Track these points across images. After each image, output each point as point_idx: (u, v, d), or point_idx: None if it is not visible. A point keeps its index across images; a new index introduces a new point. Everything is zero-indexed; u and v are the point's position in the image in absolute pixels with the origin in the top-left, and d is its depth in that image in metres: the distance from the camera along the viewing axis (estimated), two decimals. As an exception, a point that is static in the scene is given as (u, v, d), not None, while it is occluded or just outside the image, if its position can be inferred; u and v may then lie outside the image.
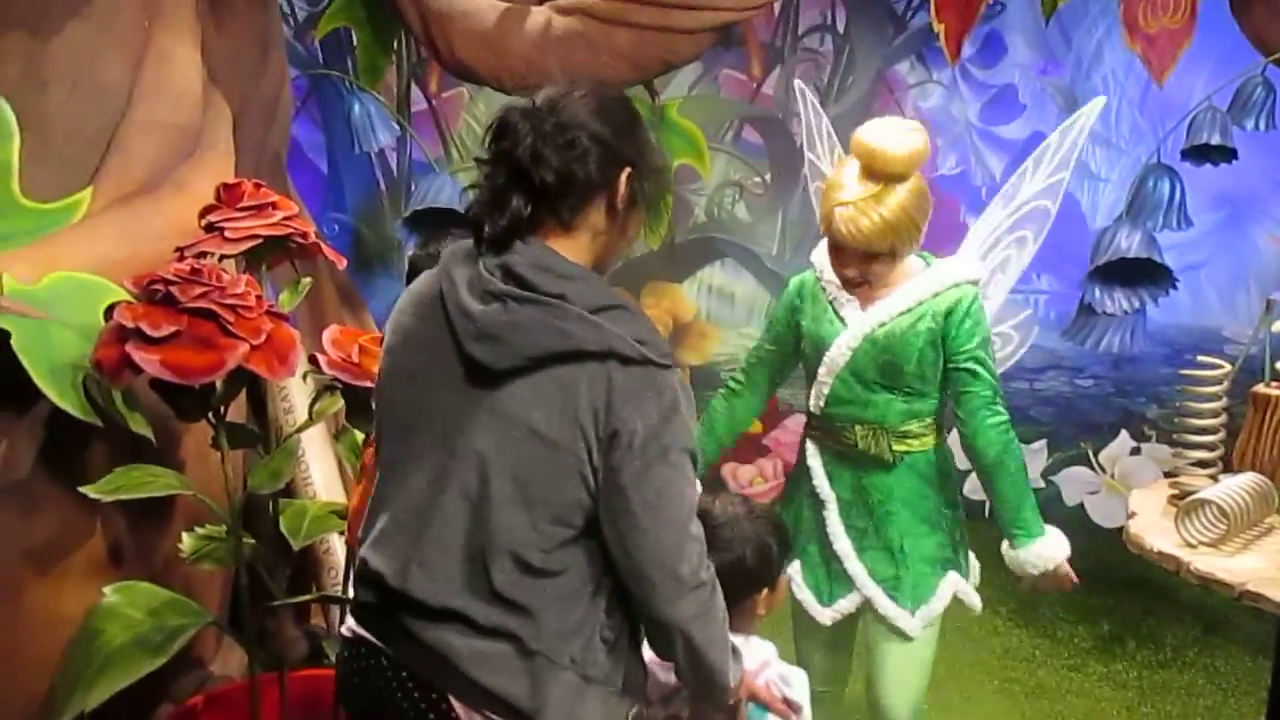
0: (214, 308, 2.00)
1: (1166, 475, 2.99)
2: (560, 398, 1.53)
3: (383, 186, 4.94)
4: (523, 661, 1.58)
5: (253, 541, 2.42)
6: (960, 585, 2.49)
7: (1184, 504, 2.52)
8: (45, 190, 2.55)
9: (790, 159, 5.10)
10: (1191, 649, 3.83)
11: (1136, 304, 4.08)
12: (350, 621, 1.73)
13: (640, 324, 1.59)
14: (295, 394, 2.90)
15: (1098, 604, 4.08)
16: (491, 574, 1.57)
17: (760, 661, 2.01)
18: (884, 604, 2.44)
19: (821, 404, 2.46)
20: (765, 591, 2.05)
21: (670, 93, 4.78)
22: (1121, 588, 4.16)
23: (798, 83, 3.37)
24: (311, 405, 2.40)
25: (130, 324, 1.96)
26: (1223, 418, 2.81)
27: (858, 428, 2.42)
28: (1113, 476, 4.71)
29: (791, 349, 2.57)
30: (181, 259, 2.27)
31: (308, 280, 2.52)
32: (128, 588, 2.29)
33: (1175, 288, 4.12)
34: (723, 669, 1.70)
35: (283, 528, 2.47)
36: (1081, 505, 4.79)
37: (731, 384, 2.65)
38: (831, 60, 5.03)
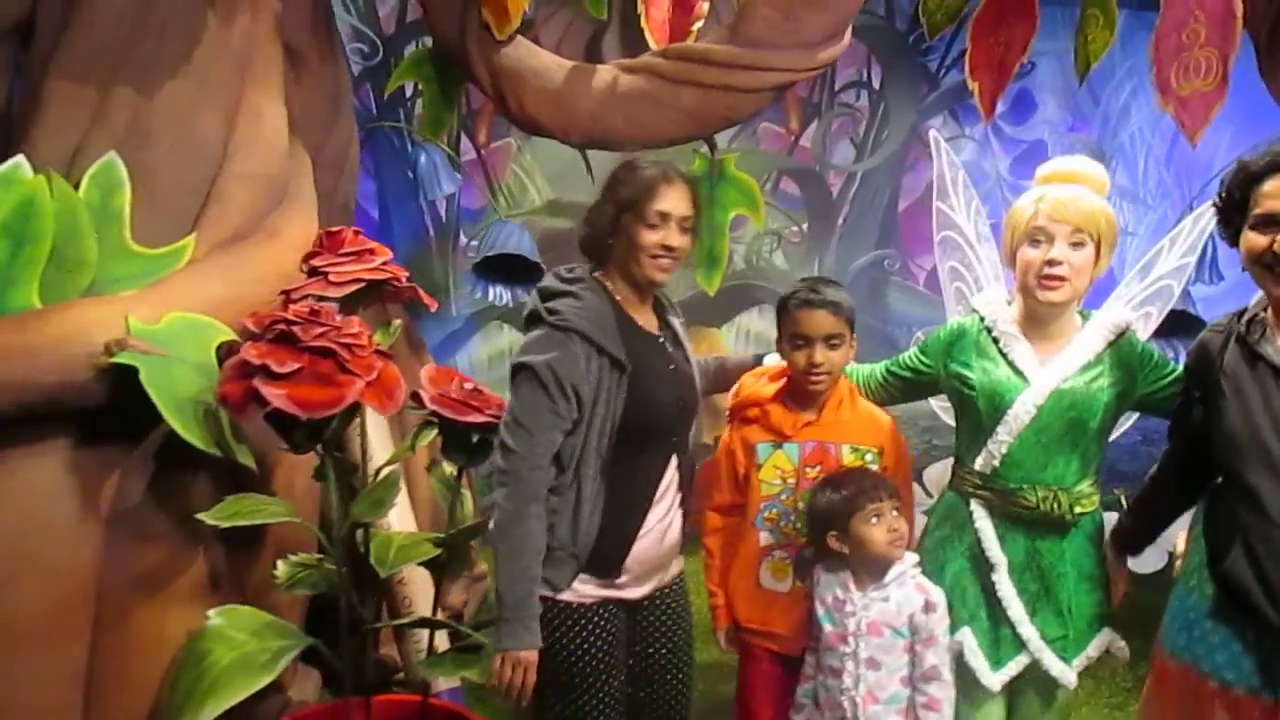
0: (333, 346, 2.13)
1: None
2: None
3: (431, 233, 5.10)
4: None
5: (343, 569, 2.53)
6: (1115, 641, 2.50)
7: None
8: (152, 237, 2.72)
9: (826, 209, 5.26)
10: (1227, 690, 3.88)
11: (1170, 356, 4.18)
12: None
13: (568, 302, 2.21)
14: (371, 428, 3.03)
15: (1138, 646, 4.13)
16: None
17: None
18: (1054, 665, 2.38)
19: (996, 464, 2.35)
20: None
21: (710, 146, 4.96)
22: (1158, 630, 4.23)
23: (933, 132, 3.34)
24: (414, 437, 2.52)
25: (256, 361, 2.08)
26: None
27: (1038, 489, 2.33)
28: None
29: (928, 380, 2.55)
30: (289, 301, 2.41)
31: (398, 322, 2.66)
32: (231, 610, 2.39)
33: (1207, 339, 4.24)
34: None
35: (371, 556, 2.58)
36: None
37: (882, 373, 2.64)
38: (867, 115, 5.21)
